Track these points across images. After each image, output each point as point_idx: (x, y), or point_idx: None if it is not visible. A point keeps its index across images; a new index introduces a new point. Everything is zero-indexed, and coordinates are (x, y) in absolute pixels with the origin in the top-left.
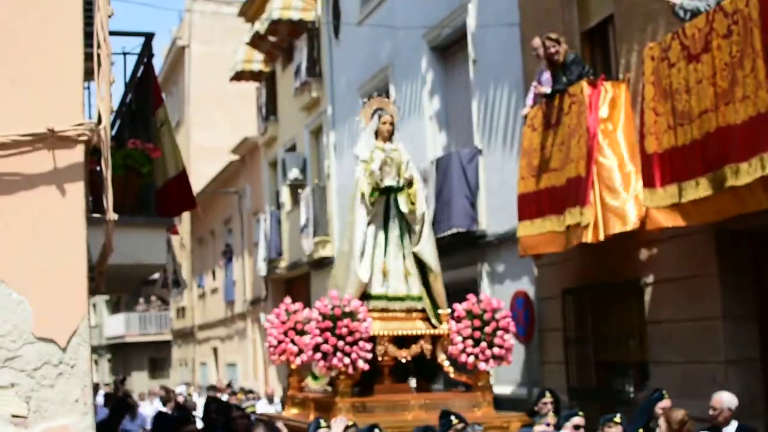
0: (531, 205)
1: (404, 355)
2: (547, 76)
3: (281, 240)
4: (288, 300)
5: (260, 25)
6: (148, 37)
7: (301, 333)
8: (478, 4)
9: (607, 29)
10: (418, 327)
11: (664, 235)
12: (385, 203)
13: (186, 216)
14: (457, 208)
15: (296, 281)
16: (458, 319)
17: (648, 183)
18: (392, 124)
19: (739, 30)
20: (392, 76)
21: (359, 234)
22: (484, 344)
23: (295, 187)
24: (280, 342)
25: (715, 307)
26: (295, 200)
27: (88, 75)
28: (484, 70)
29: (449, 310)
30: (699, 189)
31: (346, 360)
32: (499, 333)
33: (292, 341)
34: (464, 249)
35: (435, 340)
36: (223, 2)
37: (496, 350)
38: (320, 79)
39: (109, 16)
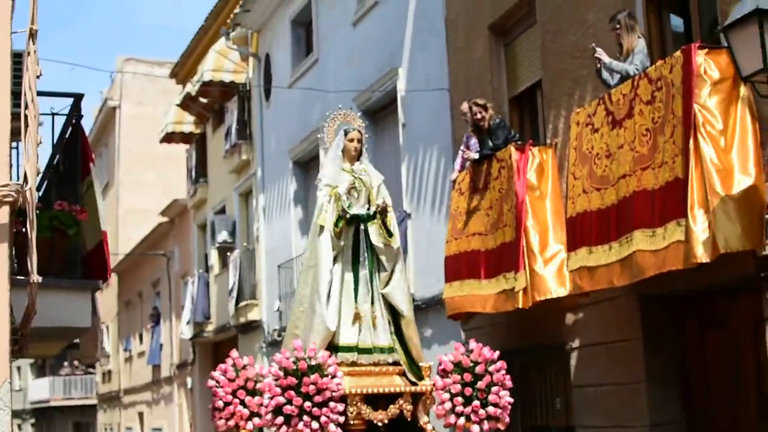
0: (457, 268)
1: (380, 418)
2: (474, 141)
3: (209, 303)
4: (235, 353)
5: (191, 87)
6: (77, 97)
7: (253, 393)
8: (409, 69)
9: (535, 94)
10: (397, 383)
11: (589, 300)
12: (353, 235)
13: (114, 277)
14: None
15: (224, 345)
16: (445, 374)
17: (570, 247)
18: (360, 141)
19: (662, 96)
20: (323, 139)
21: (325, 272)
22: (476, 402)
23: (224, 250)
24: (227, 404)
25: (639, 370)
26: (224, 263)
27: (15, 135)
28: (413, 134)
29: (431, 363)
30: (614, 253)
31: (315, 425)
32: (494, 389)
33: (242, 402)
34: None
35: (416, 398)
36: (155, 63)
37: (490, 409)
38: (250, 141)
39: (38, 77)
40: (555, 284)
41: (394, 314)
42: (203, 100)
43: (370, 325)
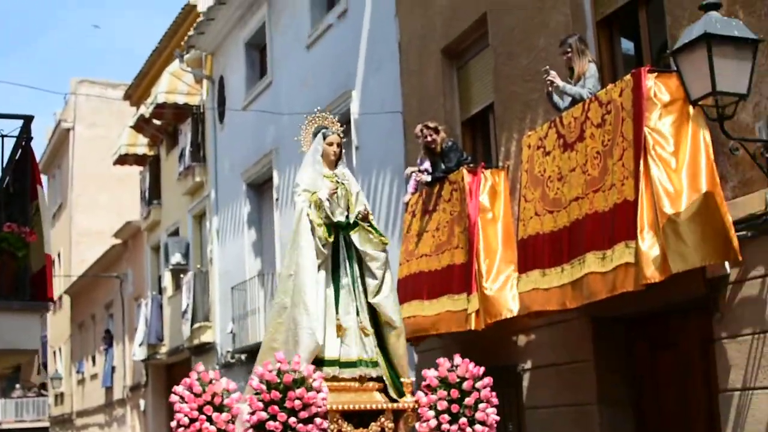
0: (410, 289)
1: None
2: (427, 163)
3: (162, 325)
4: (200, 367)
5: (145, 109)
6: (27, 119)
7: (221, 409)
8: (362, 91)
9: (488, 117)
10: (377, 400)
11: (541, 322)
12: (333, 244)
13: (66, 300)
14: None
15: (177, 367)
16: (430, 390)
17: (521, 269)
18: (339, 145)
19: (612, 119)
20: (276, 161)
21: (310, 282)
22: (464, 420)
23: (178, 272)
24: (192, 420)
25: (591, 392)
26: (177, 285)
27: None
28: (366, 157)
29: (412, 379)
30: (566, 275)
31: None
32: (482, 406)
33: (209, 419)
34: None
35: (397, 416)
36: (109, 85)
37: (478, 428)
38: (204, 163)
39: None
40: (506, 306)
41: (378, 326)
42: (157, 122)
43: (356, 337)
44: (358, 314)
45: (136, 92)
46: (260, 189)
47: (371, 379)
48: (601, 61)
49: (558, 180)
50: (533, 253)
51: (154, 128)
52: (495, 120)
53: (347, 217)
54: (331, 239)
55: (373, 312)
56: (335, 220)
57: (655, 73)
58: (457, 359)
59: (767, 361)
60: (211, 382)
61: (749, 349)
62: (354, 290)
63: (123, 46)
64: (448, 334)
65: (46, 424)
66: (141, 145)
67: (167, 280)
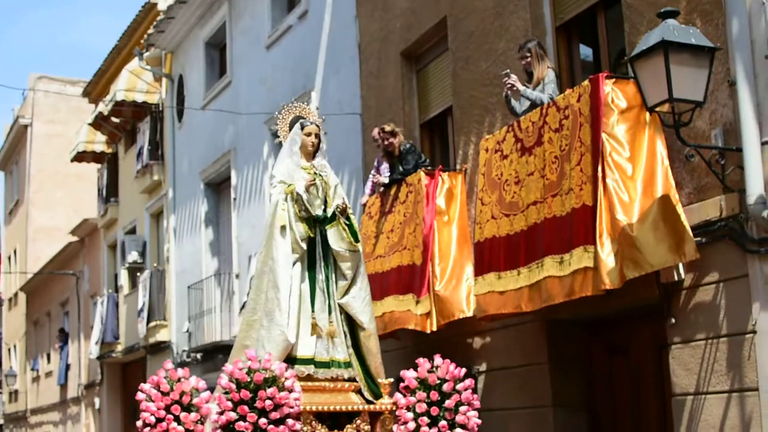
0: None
1: None
2: (385, 165)
3: (119, 323)
4: (169, 364)
5: (104, 106)
6: None
7: (188, 408)
8: (321, 92)
9: (446, 121)
10: (353, 401)
11: (497, 325)
12: (310, 239)
13: (22, 297)
14: None
15: (132, 366)
16: (408, 391)
17: (477, 272)
18: (317, 136)
19: (569, 124)
20: (234, 160)
21: (284, 278)
22: (444, 423)
23: (134, 270)
24: (159, 420)
25: (546, 395)
26: (134, 283)
27: None
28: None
29: (391, 380)
30: (523, 278)
31: None
32: (463, 409)
33: (177, 419)
34: None
35: (373, 418)
36: (68, 82)
37: (458, 431)
38: (162, 162)
39: None
40: (458, 308)
41: (352, 326)
42: (115, 120)
43: (327, 337)
44: (330, 313)
45: (95, 89)
46: (218, 188)
47: (345, 380)
48: (560, 66)
49: (515, 184)
50: (489, 256)
51: (113, 126)
52: (453, 123)
53: (324, 210)
54: (311, 234)
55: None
56: (313, 213)
57: (613, 80)
58: (438, 359)
59: (720, 366)
60: (179, 380)
61: (702, 354)
62: (327, 288)
63: (83, 43)
64: (406, 336)
65: (0, 421)
66: (99, 142)
67: (124, 278)
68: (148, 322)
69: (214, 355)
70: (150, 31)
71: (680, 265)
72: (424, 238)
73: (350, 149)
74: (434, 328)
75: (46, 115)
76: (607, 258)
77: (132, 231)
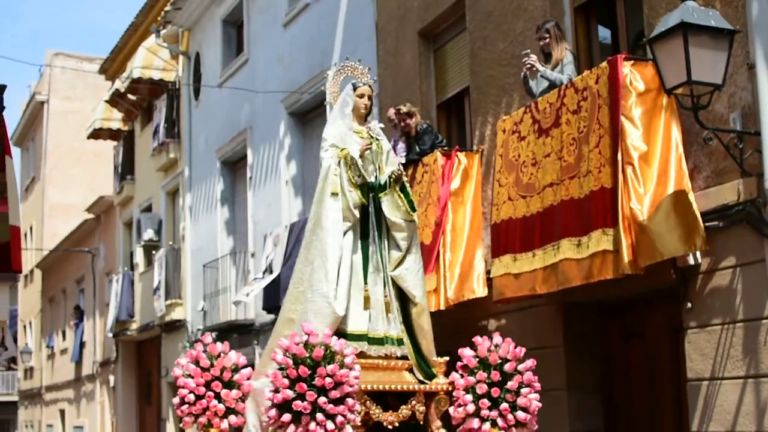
0: None
1: (391, 420)
2: (402, 145)
3: (134, 301)
4: (208, 338)
5: (120, 84)
6: (0, 88)
7: (230, 385)
8: None
9: (463, 101)
10: (408, 380)
11: (511, 307)
12: (363, 207)
13: (38, 273)
14: None
15: (147, 344)
16: (467, 371)
17: (494, 253)
18: (370, 98)
19: (588, 106)
20: (250, 139)
21: (334, 247)
22: (505, 406)
23: (150, 248)
24: (198, 397)
25: (560, 378)
26: (149, 261)
27: None
28: None
29: (446, 358)
30: (538, 260)
31: (330, 425)
32: (524, 391)
33: (218, 396)
34: None
35: (428, 398)
36: (84, 59)
37: (520, 414)
38: (178, 140)
39: None
40: (470, 288)
41: (403, 300)
42: (132, 97)
43: (382, 311)
44: (385, 286)
45: (111, 66)
46: (234, 167)
47: (397, 357)
48: (578, 47)
49: (532, 165)
50: (506, 238)
51: (129, 103)
52: (470, 104)
53: (377, 178)
54: (364, 202)
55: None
56: (368, 180)
57: (632, 62)
58: (497, 338)
59: (736, 351)
60: (219, 355)
61: (718, 339)
62: (381, 260)
63: (100, 20)
64: None
65: (15, 398)
66: (115, 119)
67: (139, 256)
68: (164, 301)
69: (229, 334)
70: (167, 8)
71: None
72: (437, 218)
73: None
74: (441, 307)
75: (63, 91)
76: (628, 242)
77: (148, 209)
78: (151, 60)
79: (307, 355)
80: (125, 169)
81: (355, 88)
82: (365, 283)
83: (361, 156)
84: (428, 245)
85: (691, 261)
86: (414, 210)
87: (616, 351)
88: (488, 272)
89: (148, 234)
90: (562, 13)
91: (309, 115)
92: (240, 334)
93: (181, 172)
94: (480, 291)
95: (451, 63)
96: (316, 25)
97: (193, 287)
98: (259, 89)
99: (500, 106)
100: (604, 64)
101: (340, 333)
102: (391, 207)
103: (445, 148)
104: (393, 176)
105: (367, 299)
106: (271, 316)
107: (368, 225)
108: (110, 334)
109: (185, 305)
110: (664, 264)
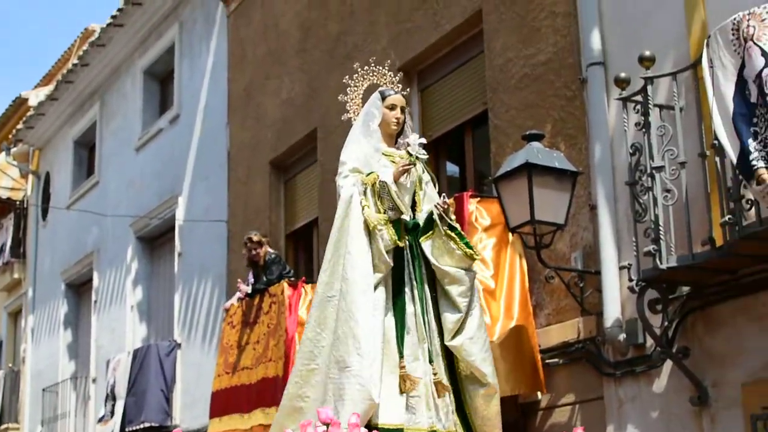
0: (222, 402)
1: None
2: (250, 275)
3: None
4: None
5: None
6: None
7: None
8: (189, 198)
9: (312, 232)
10: None
11: None
12: (395, 252)
13: None
14: (152, 401)
15: None
16: None
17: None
18: (403, 110)
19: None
20: (97, 262)
21: (365, 308)
22: None
23: None
24: None
25: None
26: None
27: None
28: (189, 263)
29: None
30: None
31: None
32: None
33: None
34: None
35: None
36: None
37: None
38: (23, 260)
39: None
40: None
41: (455, 379)
42: None
43: (426, 395)
44: (431, 361)
45: None
46: (79, 290)
47: None
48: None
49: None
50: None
51: None
52: (318, 235)
53: (412, 215)
54: (400, 244)
55: (450, 358)
56: (404, 213)
57: (478, 198)
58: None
59: None
60: None
61: None
62: (426, 324)
63: None
64: None
65: None
66: None
67: None
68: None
69: None
70: (19, 126)
71: None
72: (286, 350)
73: (215, 256)
74: None
75: None
76: None
77: None
78: (0, 178)
79: None
80: None
81: (383, 98)
82: (400, 356)
83: (396, 180)
84: (276, 377)
85: (533, 398)
86: (474, 256)
87: None
88: None
89: None
90: None
91: (158, 241)
92: None
93: (25, 293)
94: None
95: (301, 194)
96: (169, 151)
97: (31, 411)
98: (109, 212)
99: None
100: (451, 200)
101: (369, 426)
102: (440, 252)
103: (293, 278)
104: (438, 210)
105: (404, 379)
106: None
107: (403, 277)
108: None
109: (22, 430)
110: (508, 399)
